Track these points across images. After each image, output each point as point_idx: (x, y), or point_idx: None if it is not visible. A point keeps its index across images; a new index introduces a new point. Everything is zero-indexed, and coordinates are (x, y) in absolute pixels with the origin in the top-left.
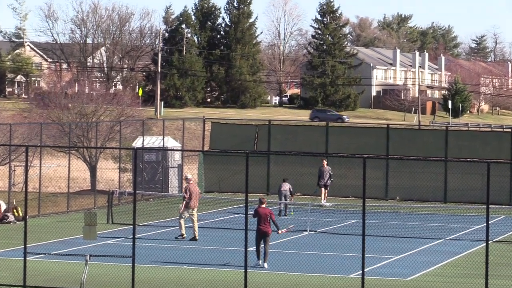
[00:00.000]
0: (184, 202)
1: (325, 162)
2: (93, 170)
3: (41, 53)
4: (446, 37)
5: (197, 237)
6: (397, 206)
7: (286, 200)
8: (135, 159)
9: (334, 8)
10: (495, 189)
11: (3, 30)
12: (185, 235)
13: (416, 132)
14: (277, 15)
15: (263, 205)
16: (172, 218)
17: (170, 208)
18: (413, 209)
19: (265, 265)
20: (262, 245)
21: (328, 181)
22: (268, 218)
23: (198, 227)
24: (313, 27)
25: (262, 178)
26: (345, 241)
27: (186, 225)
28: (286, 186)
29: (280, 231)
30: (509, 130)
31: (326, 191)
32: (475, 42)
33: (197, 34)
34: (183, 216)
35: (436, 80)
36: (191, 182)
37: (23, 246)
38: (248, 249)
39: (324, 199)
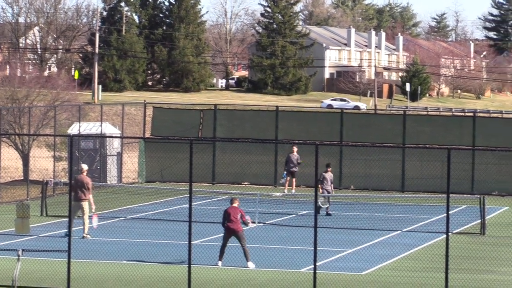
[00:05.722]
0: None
1: (295, 149)
2: (25, 158)
3: None
4: (404, 15)
5: (86, 235)
6: (352, 196)
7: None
8: (71, 146)
9: None
10: (456, 178)
11: None
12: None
13: (372, 117)
14: None
15: (235, 205)
16: (111, 210)
17: (108, 199)
18: (369, 199)
19: (250, 264)
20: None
21: (295, 168)
22: (238, 216)
23: (139, 218)
24: (262, 5)
25: (208, 166)
26: (295, 234)
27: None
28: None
29: (250, 224)
30: (471, 114)
31: (294, 179)
32: (435, 20)
33: (138, 13)
34: (76, 214)
35: (394, 61)
36: (83, 173)
37: None
38: (192, 242)
39: (293, 189)
